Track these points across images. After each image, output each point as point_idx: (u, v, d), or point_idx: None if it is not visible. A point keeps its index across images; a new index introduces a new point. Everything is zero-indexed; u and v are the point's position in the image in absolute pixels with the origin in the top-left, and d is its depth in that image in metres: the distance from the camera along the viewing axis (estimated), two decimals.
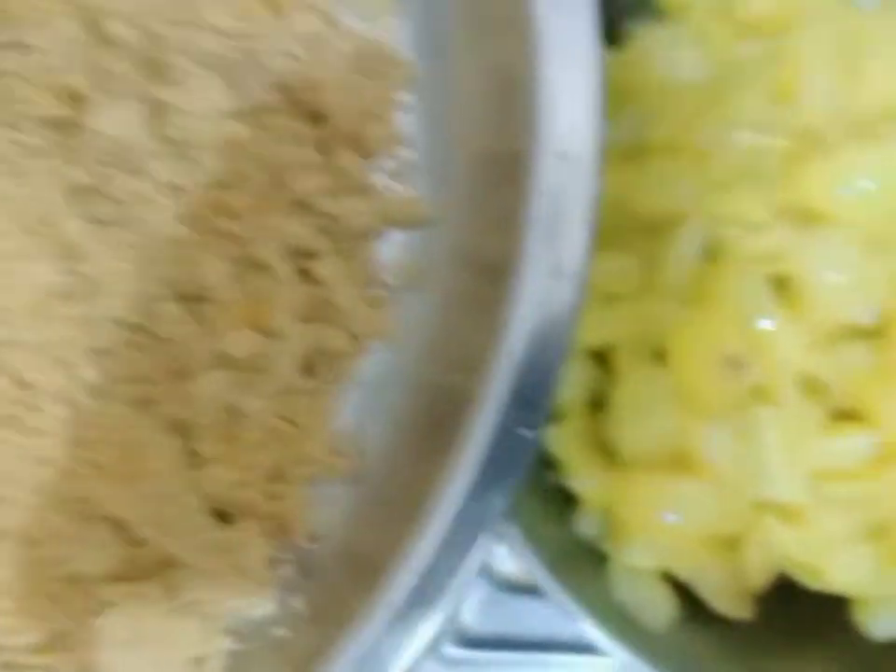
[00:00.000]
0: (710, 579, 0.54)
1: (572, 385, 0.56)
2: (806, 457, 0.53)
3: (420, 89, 0.42)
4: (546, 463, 0.56)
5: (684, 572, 0.54)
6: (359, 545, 0.37)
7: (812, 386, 0.53)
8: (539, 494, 0.54)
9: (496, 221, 0.36)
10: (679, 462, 0.53)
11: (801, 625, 0.56)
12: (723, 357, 0.51)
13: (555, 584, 0.47)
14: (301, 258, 0.41)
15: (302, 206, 0.41)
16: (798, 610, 0.56)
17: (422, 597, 0.30)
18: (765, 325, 0.51)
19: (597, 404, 0.56)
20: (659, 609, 0.52)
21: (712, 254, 0.52)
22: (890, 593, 0.54)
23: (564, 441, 0.55)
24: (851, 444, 0.53)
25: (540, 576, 0.46)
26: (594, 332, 0.54)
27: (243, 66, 0.40)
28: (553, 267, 0.32)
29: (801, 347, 0.51)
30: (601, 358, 0.56)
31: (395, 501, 0.36)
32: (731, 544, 0.54)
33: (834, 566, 0.53)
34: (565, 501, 0.55)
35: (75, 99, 0.39)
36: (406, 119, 0.41)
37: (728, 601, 0.54)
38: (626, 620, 0.51)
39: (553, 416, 0.56)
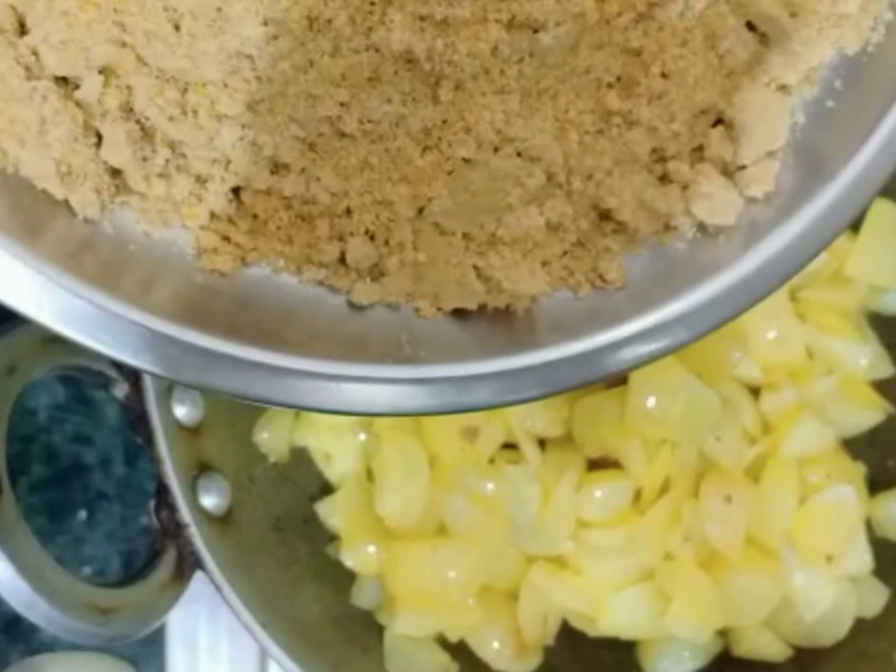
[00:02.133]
0: (487, 637, 0.55)
1: (346, 456, 0.57)
2: (566, 508, 0.54)
3: None
4: (326, 537, 0.57)
5: (460, 635, 0.55)
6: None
7: (562, 441, 0.55)
8: (315, 569, 0.56)
9: None
10: (441, 528, 0.55)
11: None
12: (461, 427, 0.53)
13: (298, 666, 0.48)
14: None
15: None
16: (590, 657, 0.58)
17: None
18: None
19: (372, 475, 0.58)
20: None
21: None
22: (666, 634, 0.55)
23: (338, 513, 0.57)
24: (607, 493, 0.54)
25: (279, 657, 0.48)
26: None
27: None
28: None
29: (536, 408, 0.53)
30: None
31: None
32: (507, 600, 0.56)
33: (606, 611, 0.55)
34: (345, 575, 0.57)
35: None
36: None
37: (508, 657, 0.55)
38: None
39: (329, 488, 0.58)
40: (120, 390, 0.52)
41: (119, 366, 0.54)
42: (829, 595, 0.54)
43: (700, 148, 0.31)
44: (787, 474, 0.54)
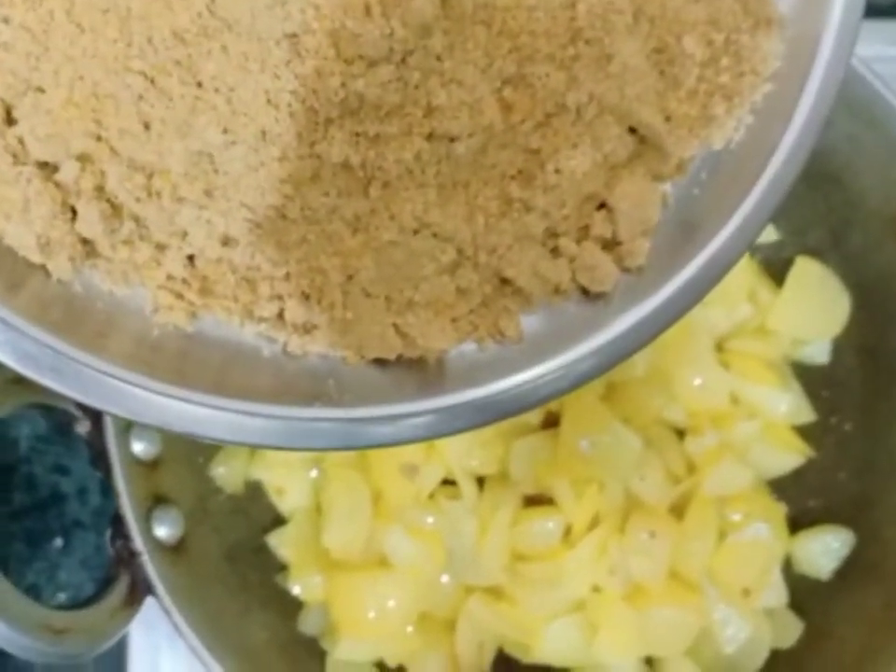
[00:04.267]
0: (426, 663, 0.58)
1: (298, 490, 0.61)
2: (501, 542, 0.57)
3: None
4: (276, 566, 0.61)
5: (399, 661, 0.58)
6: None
7: (499, 478, 0.58)
8: (264, 597, 0.59)
9: None
10: (382, 559, 0.58)
11: None
12: (402, 464, 0.56)
13: None
14: None
15: None
16: None
17: None
18: None
19: (320, 508, 0.61)
20: None
21: None
22: (594, 662, 0.58)
23: (288, 544, 0.60)
24: (540, 528, 0.58)
25: None
26: None
27: None
28: None
29: (474, 447, 0.57)
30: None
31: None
32: (445, 628, 0.59)
33: (540, 640, 0.58)
34: (292, 603, 0.60)
35: None
36: None
37: None
38: None
39: (280, 520, 0.61)
40: (83, 427, 0.56)
41: (81, 405, 0.58)
42: (746, 627, 0.57)
43: (586, 228, 0.36)
44: (708, 512, 0.57)
